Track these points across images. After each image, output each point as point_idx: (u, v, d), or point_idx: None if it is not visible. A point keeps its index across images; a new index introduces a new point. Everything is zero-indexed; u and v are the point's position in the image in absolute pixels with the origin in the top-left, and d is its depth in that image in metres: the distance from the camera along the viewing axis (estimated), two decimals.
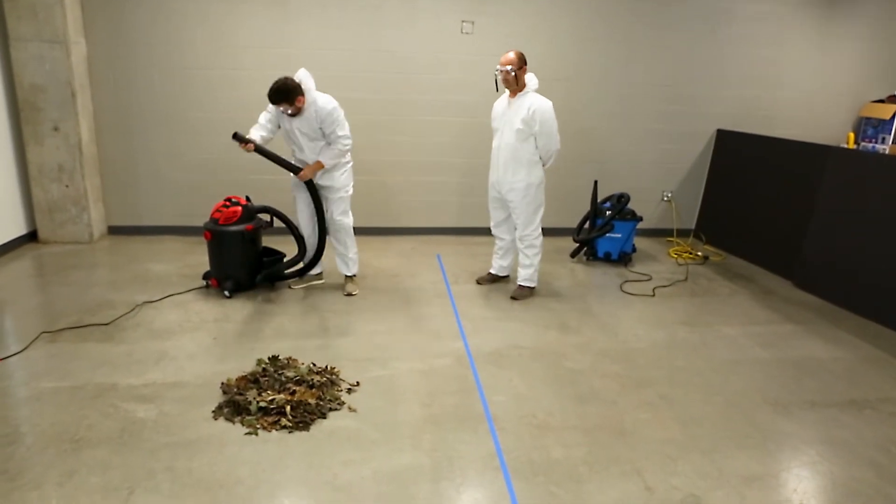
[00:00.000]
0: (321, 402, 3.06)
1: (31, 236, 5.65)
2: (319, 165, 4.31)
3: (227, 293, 4.45)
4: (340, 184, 4.45)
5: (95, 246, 5.66)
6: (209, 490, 2.47)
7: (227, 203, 4.46)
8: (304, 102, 4.12)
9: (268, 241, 4.83)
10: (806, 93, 6.61)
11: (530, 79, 4.32)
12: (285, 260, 4.70)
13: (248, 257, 4.55)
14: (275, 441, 2.80)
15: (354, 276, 4.76)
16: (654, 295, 4.95)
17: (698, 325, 4.39)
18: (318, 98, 4.16)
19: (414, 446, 2.80)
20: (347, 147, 4.33)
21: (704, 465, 2.77)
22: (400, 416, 3.05)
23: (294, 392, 3.10)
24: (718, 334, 4.23)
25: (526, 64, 4.30)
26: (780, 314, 4.66)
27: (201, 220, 4.66)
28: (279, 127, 4.38)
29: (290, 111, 4.13)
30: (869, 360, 3.94)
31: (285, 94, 4.03)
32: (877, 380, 3.69)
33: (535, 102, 4.27)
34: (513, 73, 4.23)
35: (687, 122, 6.50)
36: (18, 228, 5.50)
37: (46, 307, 4.22)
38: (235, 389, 3.14)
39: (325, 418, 2.98)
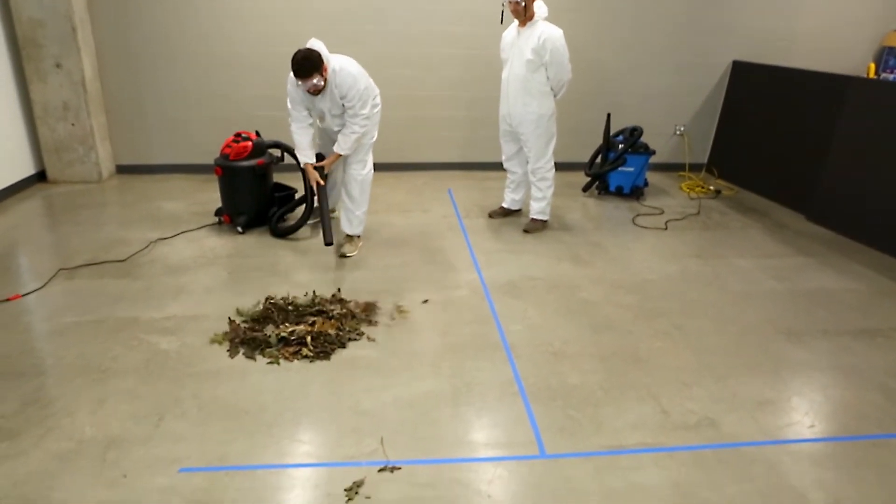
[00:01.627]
0: (340, 333, 3.10)
1: (40, 176, 5.63)
2: (337, 156, 4.01)
3: (239, 229, 4.46)
4: (368, 129, 4.07)
5: (104, 185, 5.64)
6: (235, 416, 2.54)
7: (238, 138, 4.41)
8: (328, 72, 3.71)
9: (278, 177, 4.81)
10: (826, 22, 6.38)
11: (539, 7, 4.18)
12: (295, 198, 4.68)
13: (260, 193, 4.53)
14: (296, 370, 2.86)
15: (358, 237, 4.29)
16: (666, 228, 4.94)
17: (711, 257, 4.39)
18: (336, 67, 3.74)
19: (434, 374, 2.86)
20: (366, 128, 3.95)
21: (718, 391, 2.82)
22: (418, 345, 3.10)
23: (314, 323, 3.14)
24: (731, 267, 4.24)
25: None
26: (793, 247, 4.66)
27: (209, 157, 4.62)
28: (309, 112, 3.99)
29: (315, 86, 3.68)
30: (882, 292, 3.95)
31: (312, 62, 3.58)
32: (890, 310, 3.71)
33: (545, 31, 4.15)
34: (522, 4, 4.10)
35: (701, 54, 6.32)
36: (27, 168, 5.47)
37: (61, 245, 4.24)
38: (246, 327, 3.18)
39: (344, 348, 3.03)
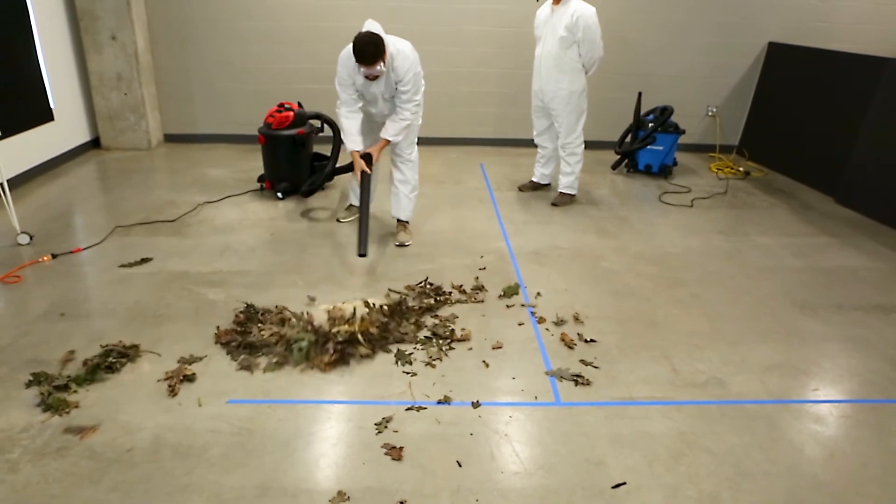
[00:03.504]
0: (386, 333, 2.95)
1: (94, 143, 5.97)
2: (385, 143, 3.80)
3: (279, 195, 4.71)
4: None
5: (154, 152, 5.96)
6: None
7: (280, 108, 4.64)
8: (387, 56, 3.47)
9: (319, 148, 5.04)
10: (866, 2, 6.31)
11: None
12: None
13: (299, 161, 4.76)
14: None
15: (408, 222, 4.16)
16: (692, 206, 5.04)
17: (734, 234, 4.49)
18: (394, 50, 3.53)
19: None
20: (416, 114, 3.80)
21: (729, 355, 2.97)
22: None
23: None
24: (753, 243, 4.34)
25: None
26: (818, 227, 4.72)
27: (252, 128, 4.88)
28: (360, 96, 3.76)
29: (374, 73, 3.46)
30: None
31: (376, 47, 3.34)
32: None
33: (578, 9, 4.28)
34: None
35: (737, 35, 6.33)
36: (83, 135, 5.82)
37: (116, 206, 4.55)
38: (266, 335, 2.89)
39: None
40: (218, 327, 2.97)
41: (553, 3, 4.43)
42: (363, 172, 3.79)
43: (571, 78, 4.48)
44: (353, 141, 3.79)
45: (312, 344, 2.79)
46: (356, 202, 4.16)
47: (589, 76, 4.57)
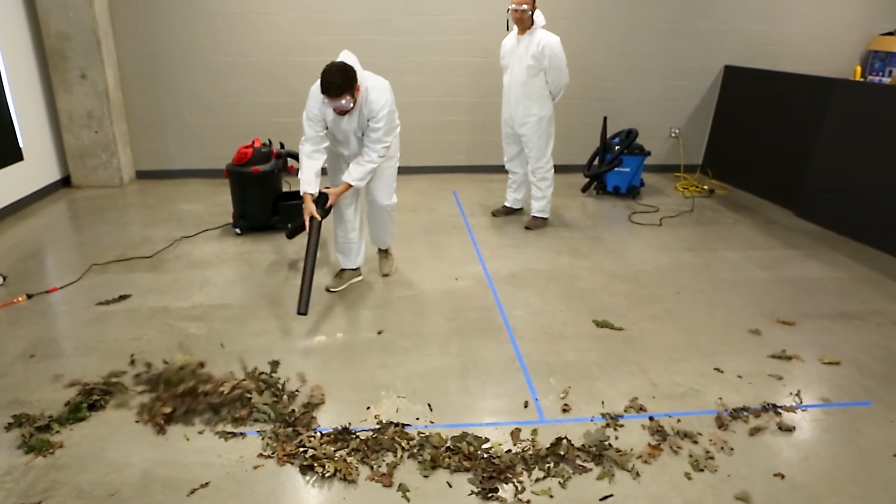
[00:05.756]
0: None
1: (65, 182, 5.92)
2: (346, 187, 3.44)
3: (237, 231, 4.70)
4: (391, 152, 3.61)
5: (126, 189, 5.93)
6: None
7: (249, 145, 4.65)
8: (359, 92, 3.24)
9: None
10: (813, 27, 6.66)
11: (538, 16, 4.47)
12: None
13: (257, 198, 4.69)
14: (318, 352, 3.12)
15: (389, 249, 4.13)
16: (661, 224, 5.20)
17: (702, 250, 4.65)
18: (369, 84, 3.30)
19: (442, 353, 3.12)
20: (382, 158, 3.45)
21: (704, 366, 3.07)
22: (427, 328, 3.37)
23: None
24: (721, 258, 4.49)
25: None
26: (781, 240, 4.91)
27: (225, 163, 4.88)
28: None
29: (342, 107, 3.21)
30: (863, 280, 4.19)
31: (346, 80, 3.09)
32: (868, 296, 3.95)
33: (544, 38, 4.44)
34: (529, 13, 4.38)
35: (695, 59, 6.60)
36: (53, 174, 5.77)
37: (91, 244, 4.51)
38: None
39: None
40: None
41: (518, 34, 4.59)
42: (312, 218, 3.39)
43: (540, 104, 4.63)
44: (307, 181, 3.38)
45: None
46: (347, 264, 3.90)
47: (556, 102, 4.72)
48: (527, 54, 4.50)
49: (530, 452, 2.40)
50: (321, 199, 3.43)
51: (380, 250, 4.13)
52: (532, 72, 4.53)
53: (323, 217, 3.43)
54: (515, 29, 4.59)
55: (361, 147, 3.45)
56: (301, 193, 3.41)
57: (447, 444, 2.43)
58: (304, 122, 3.38)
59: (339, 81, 3.08)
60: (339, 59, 3.21)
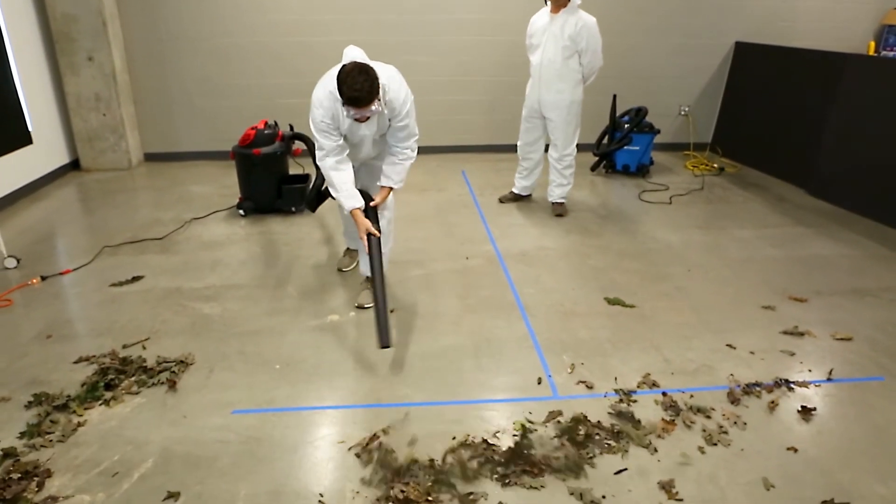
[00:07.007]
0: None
1: (74, 165, 5.93)
2: (388, 192, 3.16)
3: (241, 212, 4.71)
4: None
5: (134, 172, 5.94)
6: (278, 368, 2.82)
7: (255, 127, 4.64)
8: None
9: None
10: (825, 1, 6.55)
11: None
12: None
13: (260, 181, 4.70)
14: (330, 330, 3.14)
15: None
16: (670, 203, 5.17)
17: (713, 228, 4.63)
18: (384, 80, 2.79)
19: (455, 331, 3.14)
20: (415, 152, 3.14)
21: (716, 343, 3.07)
22: (440, 307, 3.38)
23: None
24: (732, 236, 4.47)
25: None
26: (792, 218, 4.88)
27: (233, 144, 4.87)
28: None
29: (371, 113, 2.76)
30: (875, 257, 4.17)
31: (372, 84, 2.64)
32: (881, 273, 3.93)
33: (582, 19, 4.29)
34: None
35: (705, 36, 6.52)
36: (62, 157, 5.78)
37: (101, 227, 4.53)
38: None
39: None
40: None
41: (551, 11, 4.40)
42: (370, 235, 3.00)
43: (572, 87, 4.49)
44: (350, 196, 2.97)
45: None
46: (353, 245, 3.80)
47: (586, 86, 4.60)
48: (562, 34, 4.33)
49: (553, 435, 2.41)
50: (370, 212, 3.07)
51: (366, 277, 3.49)
52: (567, 52, 4.36)
53: (379, 232, 3.04)
54: (547, 6, 4.42)
55: (376, 148, 3.15)
56: (347, 211, 3.04)
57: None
58: (315, 135, 2.93)
59: (366, 88, 2.62)
60: (347, 59, 2.78)
